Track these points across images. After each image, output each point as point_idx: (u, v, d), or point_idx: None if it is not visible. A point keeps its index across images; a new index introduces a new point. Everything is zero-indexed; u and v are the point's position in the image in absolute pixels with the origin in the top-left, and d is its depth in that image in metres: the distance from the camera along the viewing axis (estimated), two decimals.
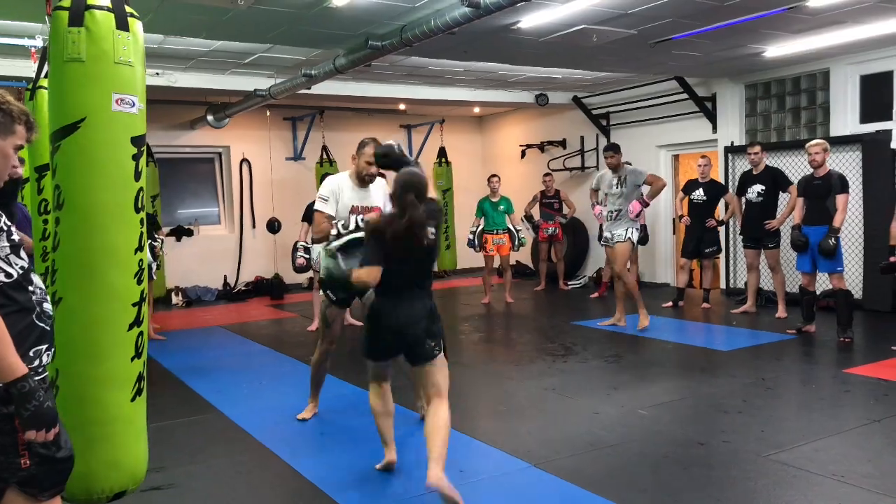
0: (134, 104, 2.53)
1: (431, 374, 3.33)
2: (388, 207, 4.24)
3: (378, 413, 3.56)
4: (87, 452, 2.47)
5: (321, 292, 4.34)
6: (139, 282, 2.57)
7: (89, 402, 2.49)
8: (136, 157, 2.55)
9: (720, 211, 8.42)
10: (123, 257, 2.53)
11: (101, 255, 2.49)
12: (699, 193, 8.15)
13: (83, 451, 2.42)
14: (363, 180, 4.27)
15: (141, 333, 2.59)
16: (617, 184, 6.88)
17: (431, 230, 3.28)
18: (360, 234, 3.68)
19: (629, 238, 6.90)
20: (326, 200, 4.18)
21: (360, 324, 6.18)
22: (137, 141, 2.55)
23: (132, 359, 2.56)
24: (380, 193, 4.33)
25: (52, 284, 2.50)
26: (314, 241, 4.26)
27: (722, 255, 9.20)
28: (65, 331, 2.45)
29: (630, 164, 7.70)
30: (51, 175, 2.52)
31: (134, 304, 2.55)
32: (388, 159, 3.70)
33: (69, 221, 2.49)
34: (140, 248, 2.58)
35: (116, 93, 2.48)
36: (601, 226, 7.47)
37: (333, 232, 4.12)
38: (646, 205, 6.84)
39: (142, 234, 2.59)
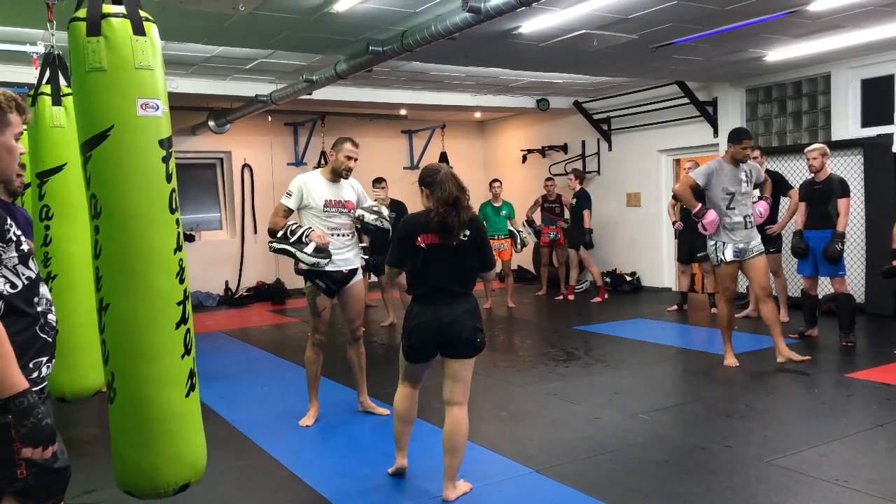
0: (158, 107, 2.55)
1: (464, 369, 3.33)
2: (364, 202, 4.56)
3: (400, 416, 3.50)
4: (150, 449, 2.55)
5: (307, 282, 4.40)
6: (181, 281, 2.61)
7: (147, 401, 2.54)
8: (165, 160, 2.58)
9: None
10: (164, 258, 2.56)
11: (142, 259, 2.53)
12: None
13: (146, 449, 2.54)
14: (338, 175, 4.47)
15: (188, 331, 2.63)
16: (747, 180, 5.50)
17: (466, 231, 3.26)
18: (290, 248, 4.21)
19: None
20: (290, 195, 4.41)
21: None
22: (165, 143, 2.59)
23: (182, 356, 2.62)
24: (351, 190, 4.54)
25: (99, 291, 2.55)
26: (269, 231, 4.45)
27: None
28: (116, 334, 2.52)
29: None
30: (84, 185, 2.55)
31: (178, 303, 2.60)
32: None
33: (108, 229, 2.52)
34: (179, 248, 2.61)
35: (140, 98, 2.50)
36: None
37: (279, 233, 4.34)
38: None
39: (179, 233, 2.63)
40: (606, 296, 9.61)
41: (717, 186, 5.44)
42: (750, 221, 5.49)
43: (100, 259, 2.54)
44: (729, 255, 5.48)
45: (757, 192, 5.85)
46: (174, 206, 2.60)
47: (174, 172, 2.62)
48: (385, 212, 4.48)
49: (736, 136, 5.48)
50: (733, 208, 5.44)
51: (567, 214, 10.19)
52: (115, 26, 2.46)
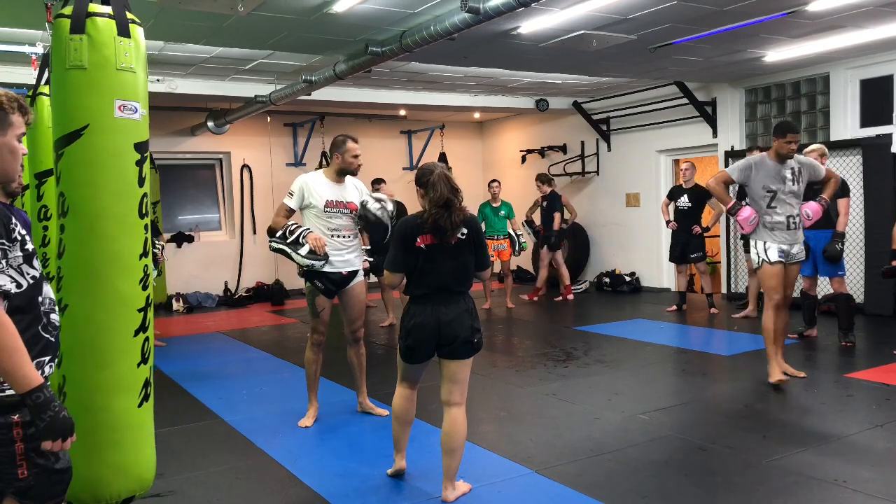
0: (136, 110, 2.53)
1: (462, 369, 3.33)
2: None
3: (399, 417, 3.49)
4: (95, 458, 2.48)
5: (307, 282, 4.38)
6: (144, 287, 2.57)
7: (97, 408, 2.49)
8: (139, 163, 2.55)
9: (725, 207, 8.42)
10: (128, 263, 2.53)
11: (106, 262, 2.49)
12: (684, 200, 8.16)
13: (91, 457, 2.46)
14: (343, 175, 4.46)
15: (147, 339, 2.59)
16: (793, 178, 5.02)
17: (463, 230, 3.26)
18: (286, 248, 4.22)
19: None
20: (292, 195, 4.40)
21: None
22: (141, 147, 2.56)
23: (138, 364, 2.57)
24: (355, 191, 4.50)
25: (59, 291, 2.50)
26: (268, 231, 4.44)
27: (723, 260, 9.21)
28: (71, 337, 2.46)
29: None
30: (55, 182, 2.52)
31: (139, 310, 2.55)
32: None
33: (74, 228, 2.49)
34: (145, 254, 2.58)
35: (119, 99, 2.48)
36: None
37: (279, 233, 4.34)
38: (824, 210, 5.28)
39: (146, 239, 2.59)
40: (538, 297, 9.74)
41: (756, 183, 5.02)
42: (794, 222, 5.02)
43: (62, 258, 2.51)
44: (774, 254, 5.01)
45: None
46: (144, 211, 2.57)
47: (147, 177, 2.60)
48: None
49: (779, 130, 4.99)
50: (774, 207, 4.99)
51: (567, 215, 10.19)
52: (99, 26, 2.45)
